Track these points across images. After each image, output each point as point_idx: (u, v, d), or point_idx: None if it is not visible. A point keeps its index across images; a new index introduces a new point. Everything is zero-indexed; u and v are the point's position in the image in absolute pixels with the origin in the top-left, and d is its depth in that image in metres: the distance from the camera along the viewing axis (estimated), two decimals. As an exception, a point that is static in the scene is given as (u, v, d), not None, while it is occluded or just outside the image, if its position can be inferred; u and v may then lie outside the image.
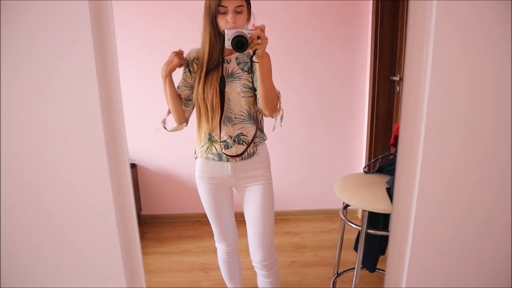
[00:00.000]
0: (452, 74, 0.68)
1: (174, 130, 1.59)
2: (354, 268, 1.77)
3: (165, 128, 1.58)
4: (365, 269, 1.95)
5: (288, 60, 2.73)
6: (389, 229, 1.85)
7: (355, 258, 1.74)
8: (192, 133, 1.62)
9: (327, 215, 3.01)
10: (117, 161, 0.71)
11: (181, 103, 1.54)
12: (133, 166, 2.85)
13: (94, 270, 0.75)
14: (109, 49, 0.67)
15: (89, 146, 0.67)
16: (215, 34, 1.40)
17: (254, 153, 1.54)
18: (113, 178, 0.70)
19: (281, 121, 1.52)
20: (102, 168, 0.68)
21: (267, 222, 1.58)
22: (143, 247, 2.67)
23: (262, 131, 1.58)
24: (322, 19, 2.68)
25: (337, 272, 2.08)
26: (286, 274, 2.33)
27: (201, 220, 2.92)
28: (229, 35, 1.29)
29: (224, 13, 1.35)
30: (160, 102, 2.79)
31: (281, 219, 2.98)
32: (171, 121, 1.59)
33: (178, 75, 1.52)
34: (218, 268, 1.88)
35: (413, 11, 0.72)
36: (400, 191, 0.84)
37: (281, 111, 1.51)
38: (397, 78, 2.56)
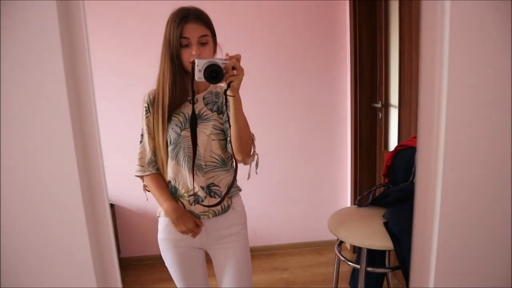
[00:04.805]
0: (470, 94, 0.64)
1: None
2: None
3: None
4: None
5: (267, 90, 2.69)
6: (386, 265, 1.78)
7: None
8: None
9: (315, 247, 2.91)
10: (94, 202, 0.67)
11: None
12: (111, 206, 2.70)
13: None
14: (85, 85, 0.61)
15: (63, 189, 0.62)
16: (177, 71, 1.25)
17: (229, 207, 1.36)
18: (90, 223, 0.66)
19: (257, 168, 1.35)
20: (78, 212, 0.64)
21: None
22: (122, 293, 2.49)
23: (236, 181, 1.41)
24: (300, 50, 2.67)
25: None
26: (278, 314, 2.21)
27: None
28: (200, 65, 1.11)
29: (187, 45, 1.22)
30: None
31: (268, 254, 2.86)
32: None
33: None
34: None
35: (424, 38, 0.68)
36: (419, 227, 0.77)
37: (256, 156, 1.34)
38: (379, 105, 2.55)
